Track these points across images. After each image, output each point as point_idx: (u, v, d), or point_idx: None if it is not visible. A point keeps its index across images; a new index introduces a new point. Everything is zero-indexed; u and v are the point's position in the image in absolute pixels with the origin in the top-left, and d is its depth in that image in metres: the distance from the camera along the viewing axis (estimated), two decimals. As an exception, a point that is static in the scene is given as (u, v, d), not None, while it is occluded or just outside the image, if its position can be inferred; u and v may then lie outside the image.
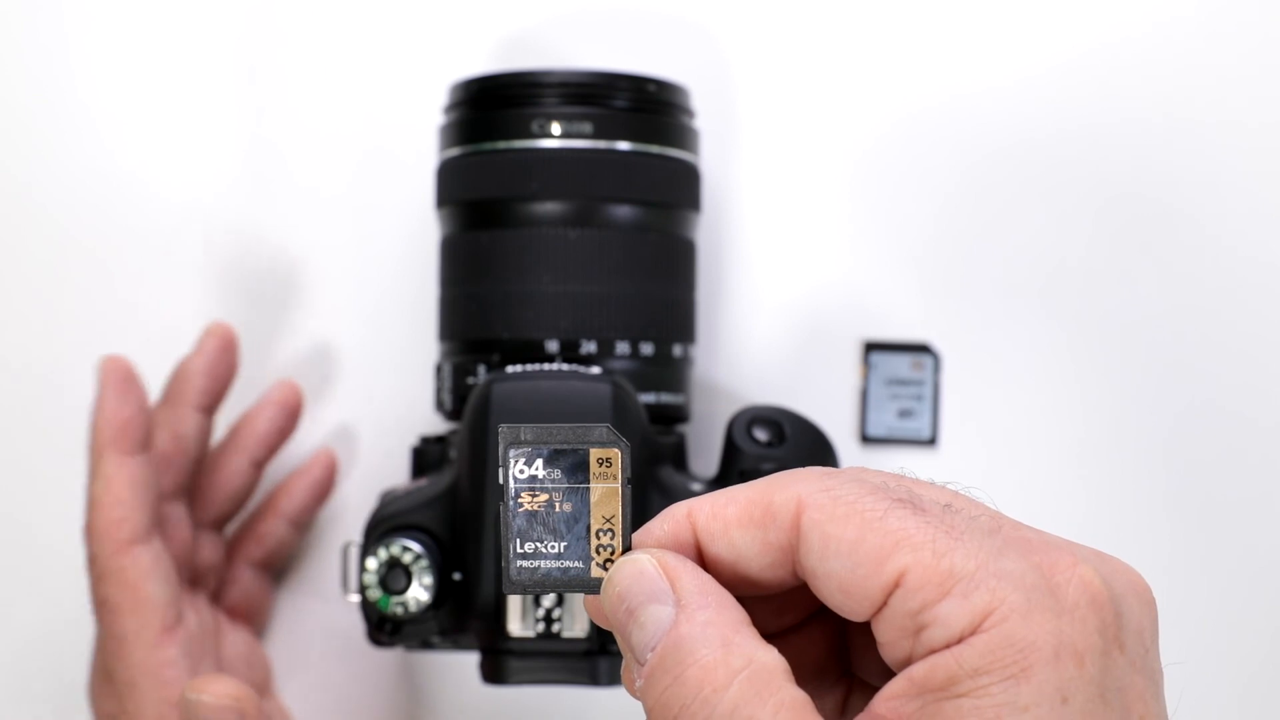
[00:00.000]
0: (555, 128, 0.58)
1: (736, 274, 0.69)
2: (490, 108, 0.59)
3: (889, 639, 0.35)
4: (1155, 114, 0.69)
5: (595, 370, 0.56)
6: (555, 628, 0.54)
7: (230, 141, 0.70)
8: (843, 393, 0.69)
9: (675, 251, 0.61)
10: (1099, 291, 0.68)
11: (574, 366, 0.56)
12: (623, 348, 0.58)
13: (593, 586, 0.38)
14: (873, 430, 0.68)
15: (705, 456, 0.65)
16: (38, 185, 0.70)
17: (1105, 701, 0.33)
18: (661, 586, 0.36)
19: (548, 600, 0.54)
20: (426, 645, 0.57)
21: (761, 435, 0.57)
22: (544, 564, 0.38)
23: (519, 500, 0.38)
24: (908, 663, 0.34)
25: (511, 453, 0.38)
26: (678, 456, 0.59)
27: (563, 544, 0.38)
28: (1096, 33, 0.69)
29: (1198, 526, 0.68)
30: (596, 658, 0.55)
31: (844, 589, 0.35)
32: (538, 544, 0.38)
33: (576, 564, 0.38)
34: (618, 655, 0.56)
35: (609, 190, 0.59)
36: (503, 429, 0.38)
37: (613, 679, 0.56)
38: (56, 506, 0.69)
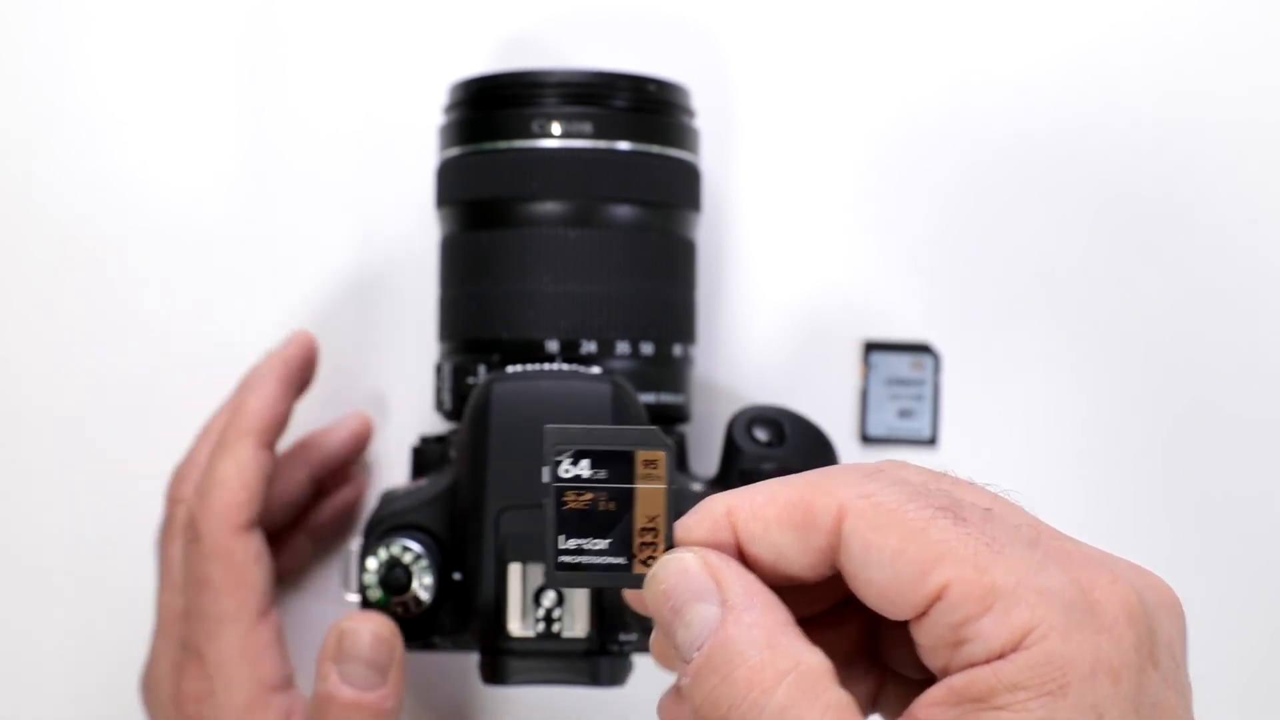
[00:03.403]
0: (555, 128, 0.58)
1: (736, 274, 0.69)
2: (490, 108, 0.59)
3: (928, 644, 0.36)
4: (1156, 114, 0.69)
5: (595, 370, 0.56)
6: (555, 628, 0.54)
7: (230, 141, 0.69)
8: (843, 393, 0.69)
9: (675, 251, 0.61)
10: (1099, 291, 0.68)
11: (574, 366, 0.56)
12: (623, 348, 0.58)
13: (634, 582, 0.39)
14: (873, 430, 0.68)
15: (705, 456, 0.65)
16: (36, 184, 0.70)
17: (1140, 717, 0.34)
18: (707, 585, 0.37)
19: (548, 600, 0.54)
20: (426, 646, 0.57)
21: (761, 435, 0.57)
22: (587, 559, 0.39)
23: (564, 499, 0.39)
24: (946, 668, 0.35)
25: (557, 452, 0.39)
26: (678, 456, 0.59)
27: (606, 541, 0.39)
28: (1098, 32, 0.69)
29: (1198, 526, 0.68)
30: (597, 658, 0.55)
31: (885, 595, 0.36)
32: (581, 541, 0.39)
33: (619, 560, 0.39)
34: (618, 655, 0.56)
35: (609, 190, 0.59)
36: (549, 429, 0.39)
37: (613, 679, 0.56)
38: (56, 507, 0.69)
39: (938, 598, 0.35)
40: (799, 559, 0.37)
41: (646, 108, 0.60)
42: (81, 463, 0.69)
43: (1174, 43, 0.69)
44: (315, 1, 0.70)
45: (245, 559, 0.58)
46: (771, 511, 0.37)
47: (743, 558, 0.38)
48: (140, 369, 0.69)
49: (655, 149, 0.59)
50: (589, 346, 0.58)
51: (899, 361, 0.68)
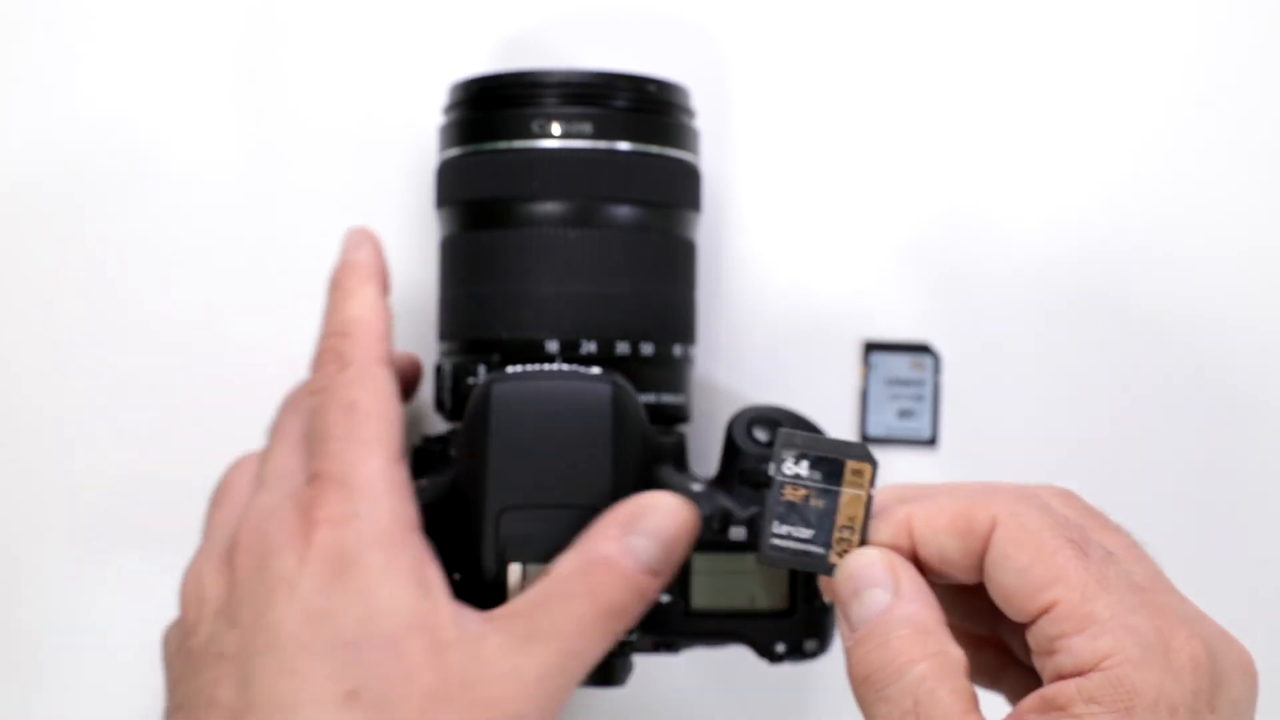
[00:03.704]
0: (555, 128, 0.58)
1: (736, 274, 0.69)
2: (490, 108, 0.59)
3: (1033, 647, 0.44)
4: (1157, 113, 0.69)
5: (595, 370, 0.56)
6: None
7: (230, 141, 0.69)
8: (843, 393, 0.69)
9: (675, 252, 0.61)
10: (1100, 291, 0.68)
11: (574, 367, 0.56)
12: (623, 348, 0.58)
13: (828, 570, 0.47)
14: (873, 430, 0.68)
15: (706, 456, 0.65)
16: (34, 182, 0.70)
17: None
18: (885, 577, 0.45)
19: None
20: None
21: (762, 435, 0.57)
22: (793, 545, 0.47)
23: (783, 491, 0.47)
24: (1042, 671, 0.43)
25: (784, 452, 0.47)
26: (678, 456, 0.59)
27: (811, 532, 0.47)
28: (1100, 30, 0.69)
29: (1199, 526, 0.68)
30: (611, 658, 0.55)
31: (1009, 599, 0.44)
32: (791, 529, 0.47)
33: (819, 550, 0.47)
34: (618, 655, 0.56)
35: (609, 190, 0.59)
36: (782, 432, 0.47)
37: (613, 678, 0.56)
38: (56, 506, 0.69)
39: (1046, 611, 0.43)
40: (959, 561, 0.45)
41: (646, 108, 0.60)
42: (81, 462, 0.69)
43: (1177, 44, 0.69)
44: (315, 2, 0.70)
45: (390, 389, 0.55)
46: (942, 520, 0.45)
47: (915, 559, 0.46)
48: (138, 369, 0.69)
49: (655, 149, 0.59)
50: (589, 347, 0.58)
51: (899, 362, 0.68)
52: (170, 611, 0.59)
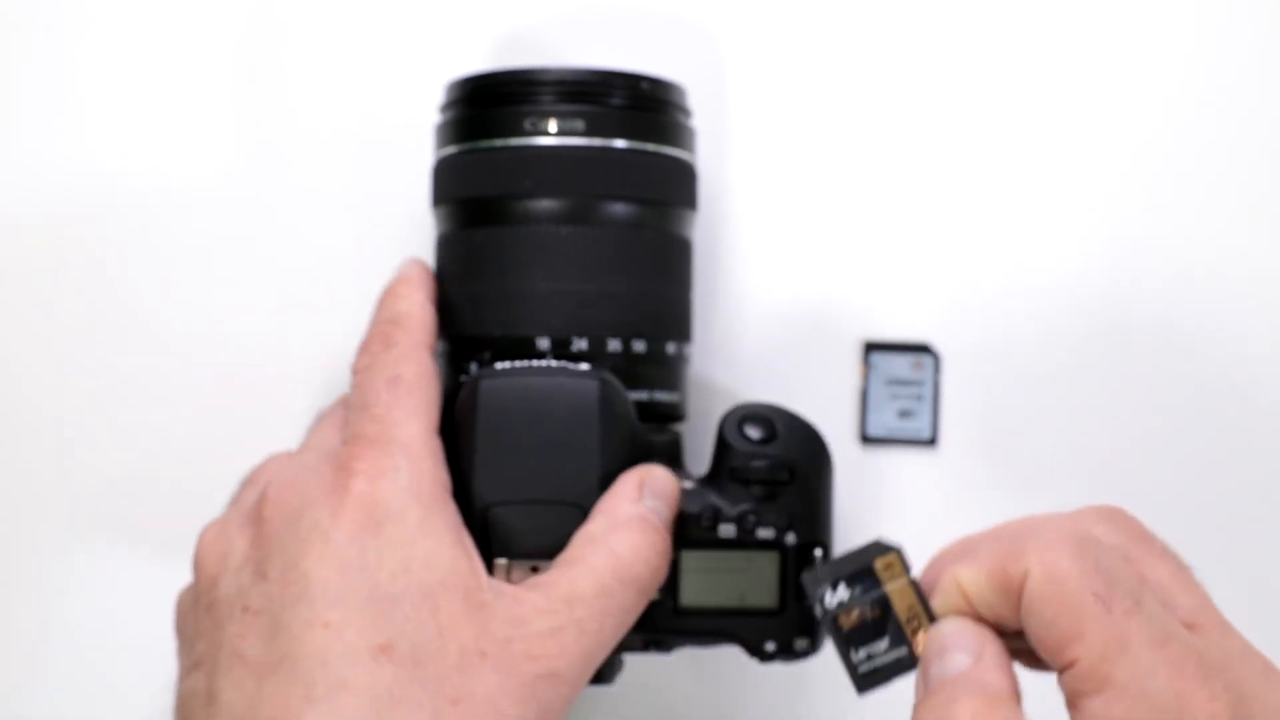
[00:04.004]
0: (550, 125, 0.58)
1: (736, 273, 0.69)
2: (485, 106, 0.59)
3: (1063, 693, 0.44)
4: (1160, 111, 0.69)
5: (584, 367, 0.56)
6: None
7: (229, 141, 0.70)
8: (843, 393, 0.68)
9: (670, 249, 0.61)
10: (1101, 291, 0.68)
11: (563, 363, 0.56)
12: (614, 345, 0.58)
13: (918, 664, 0.47)
14: (872, 430, 0.68)
15: (702, 455, 0.65)
16: (31, 182, 0.70)
17: None
18: (970, 642, 0.45)
19: None
20: None
21: (753, 433, 0.57)
22: (879, 662, 0.47)
23: (838, 623, 0.47)
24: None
25: (816, 589, 0.47)
26: (673, 454, 0.59)
27: (885, 641, 0.47)
28: (1108, 26, 0.69)
29: (1200, 527, 0.67)
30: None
31: (1041, 649, 0.44)
32: (867, 649, 0.47)
33: (902, 651, 0.47)
34: (616, 653, 0.56)
35: (603, 187, 0.58)
36: (804, 576, 0.48)
37: (602, 676, 0.56)
38: (54, 506, 0.69)
39: (1069, 667, 0.43)
40: (1010, 616, 0.45)
41: (642, 105, 0.59)
42: (78, 459, 0.69)
43: (1181, 46, 0.68)
44: (314, 2, 0.70)
45: (433, 370, 0.56)
46: (982, 579, 0.45)
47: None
48: (137, 368, 0.69)
49: (651, 147, 0.59)
50: (580, 344, 0.57)
51: (899, 362, 0.68)
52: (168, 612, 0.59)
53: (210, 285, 0.69)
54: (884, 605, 0.47)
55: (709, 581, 0.56)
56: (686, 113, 0.62)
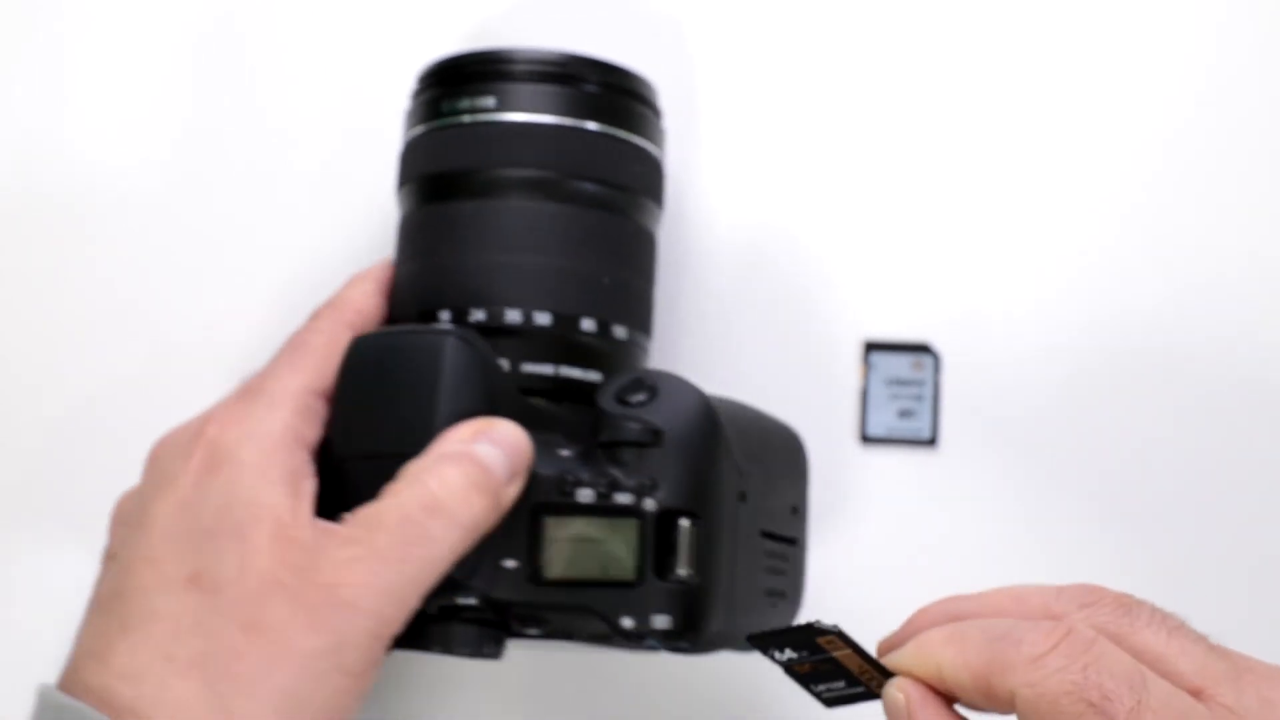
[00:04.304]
0: (522, 101, 0.57)
1: (736, 272, 0.68)
2: (456, 84, 0.58)
3: None
4: (1160, 111, 0.69)
5: (448, 327, 0.55)
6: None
7: (209, 132, 0.69)
8: (842, 393, 0.68)
9: (629, 235, 0.59)
10: (1102, 290, 0.68)
11: (442, 325, 0.55)
12: (513, 316, 0.56)
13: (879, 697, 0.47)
14: (872, 430, 0.68)
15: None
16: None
17: None
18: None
19: None
20: None
21: (632, 398, 0.54)
22: (840, 693, 0.47)
23: (796, 671, 0.46)
24: None
25: (767, 651, 0.46)
26: (574, 432, 0.56)
27: (843, 682, 0.46)
28: (1105, 22, 0.69)
29: (1203, 529, 0.67)
30: (449, 622, 0.54)
31: None
32: (826, 685, 0.46)
33: (860, 689, 0.46)
34: (469, 626, 0.54)
35: (571, 166, 0.57)
36: (749, 639, 0.46)
37: (466, 647, 0.54)
38: (53, 507, 0.69)
39: None
40: (982, 708, 0.44)
41: (608, 91, 0.58)
42: (67, 455, 0.69)
43: (1185, 45, 0.68)
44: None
45: (340, 338, 0.56)
46: (969, 681, 0.44)
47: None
48: (117, 359, 0.69)
49: (621, 133, 0.58)
50: (478, 315, 0.56)
51: (899, 361, 0.68)
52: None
53: (186, 274, 0.69)
54: (834, 663, 0.46)
55: (571, 551, 0.53)
56: (657, 111, 0.61)
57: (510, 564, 0.53)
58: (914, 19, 0.69)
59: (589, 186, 0.58)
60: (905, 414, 0.68)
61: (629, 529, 0.52)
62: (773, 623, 0.56)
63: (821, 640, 0.45)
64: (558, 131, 0.57)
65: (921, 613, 0.47)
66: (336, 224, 0.69)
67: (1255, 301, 0.68)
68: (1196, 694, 0.42)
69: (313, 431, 0.54)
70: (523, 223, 0.57)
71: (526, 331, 0.56)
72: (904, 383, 0.68)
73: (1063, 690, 0.41)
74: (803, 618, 0.59)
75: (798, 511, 0.59)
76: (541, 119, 0.57)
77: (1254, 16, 0.69)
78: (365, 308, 0.58)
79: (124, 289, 0.69)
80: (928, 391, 0.68)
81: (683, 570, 0.51)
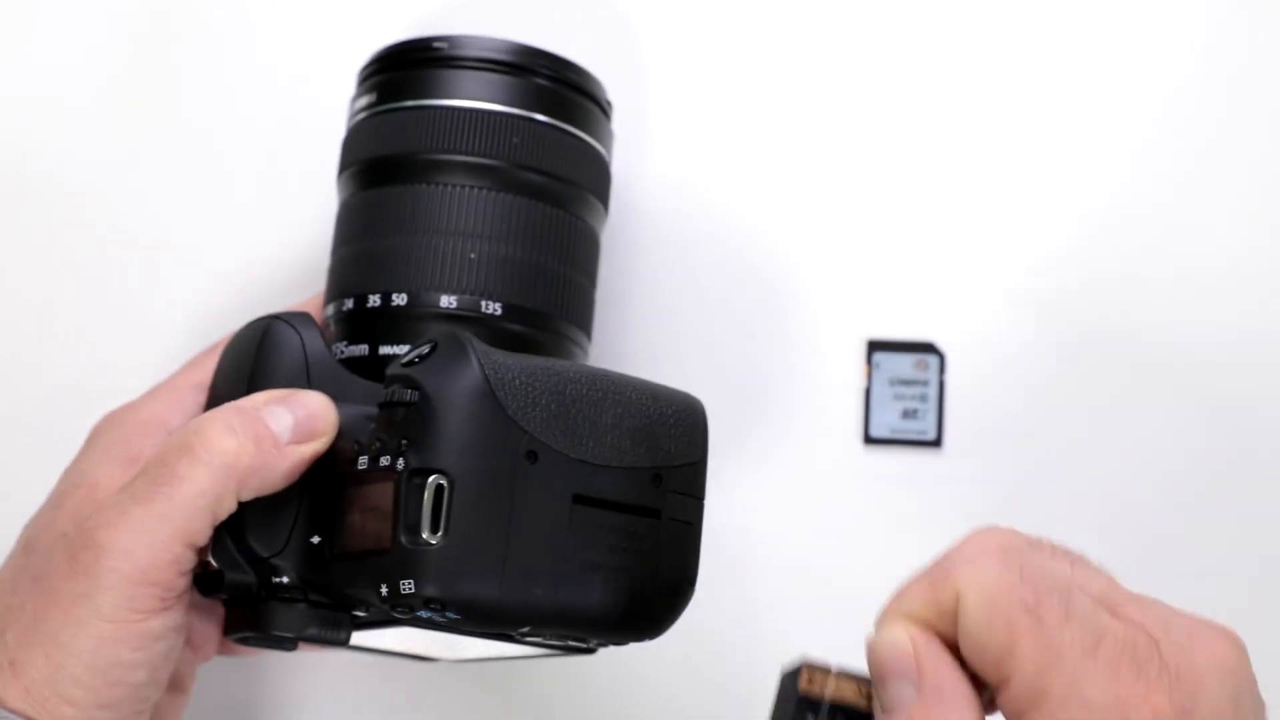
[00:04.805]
0: (469, 89, 0.57)
1: (735, 272, 0.68)
2: (397, 69, 0.58)
3: (1004, 713, 0.42)
4: (1160, 110, 0.68)
5: (297, 311, 0.55)
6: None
7: (150, 124, 0.70)
8: (846, 392, 0.68)
9: (566, 229, 0.58)
10: (1105, 290, 0.67)
11: (295, 309, 0.56)
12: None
13: None
14: (876, 431, 0.67)
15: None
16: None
17: None
18: (909, 667, 0.43)
19: None
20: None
21: (410, 358, 0.51)
22: None
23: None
24: None
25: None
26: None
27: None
28: (1104, 20, 0.68)
29: (1205, 528, 0.67)
30: (265, 600, 0.53)
31: (978, 669, 0.43)
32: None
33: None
34: (287, 604, 0.53)
35: (515, 155, 0.57)
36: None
37: (286, 626, 0.53)
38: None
39: (1003, 684, 0.42)
40: (947, 634, 0.43)
41: (556, 84, 0.58)
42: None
43: (1180, 45, 0.68)
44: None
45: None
46: (920, 607, 0.43)
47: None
48: (98, 356, 0.69)
49: (568, 127, 0.58)
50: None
51: (903, 361, 0.67)
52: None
53: (157, 271, 0.70)
54: (836, 713, 0.44)
55: (362, 523, 0.51)
56: (605, 109, 0.61)
57: (316, 540, 0.52)
58: (920, 15, 0.69)
59: (533, 177, 0.57)
60: (909, 414, 0.67)
61: (386, 493, 0.50)
62: (598, 598, 0.51)
63: (803, 684, 0.44)
64: (504, 120, 0.57)
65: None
66: (282, 213, 0.69)
67: (1259, 304, 0.67)
68: (1109, 612, 0.43)
69: (172, 414, 0.57)
70: (457, 207, 0.56)
71: (386, 311, 0.56)
72: (908, 382, 0.67)
73: (1001, 589, 0.42)
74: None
75: (662, 481, 0.53)
76: (489, 107, 0.57)
77: (1237, 26, 0.69)
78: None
79: (87, 291, 0.70)
80: (932, 391, 0.67)
81: (425, 533, 0.48)
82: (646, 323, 0.68)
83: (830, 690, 0.44)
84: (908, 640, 0.43)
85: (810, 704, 0.44)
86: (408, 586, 0.48)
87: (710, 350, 0.67)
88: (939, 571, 0.43)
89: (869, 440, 0.67)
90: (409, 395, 0.49)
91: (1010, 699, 0.41)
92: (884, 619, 0.44)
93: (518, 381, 0.50)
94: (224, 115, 0.70)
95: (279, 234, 0.69)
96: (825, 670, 0.44)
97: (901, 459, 0.67)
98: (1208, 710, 0.41)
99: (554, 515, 0.50)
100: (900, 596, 0.44)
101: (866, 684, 0.44)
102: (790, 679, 0.44)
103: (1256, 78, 0.69)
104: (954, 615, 0.43)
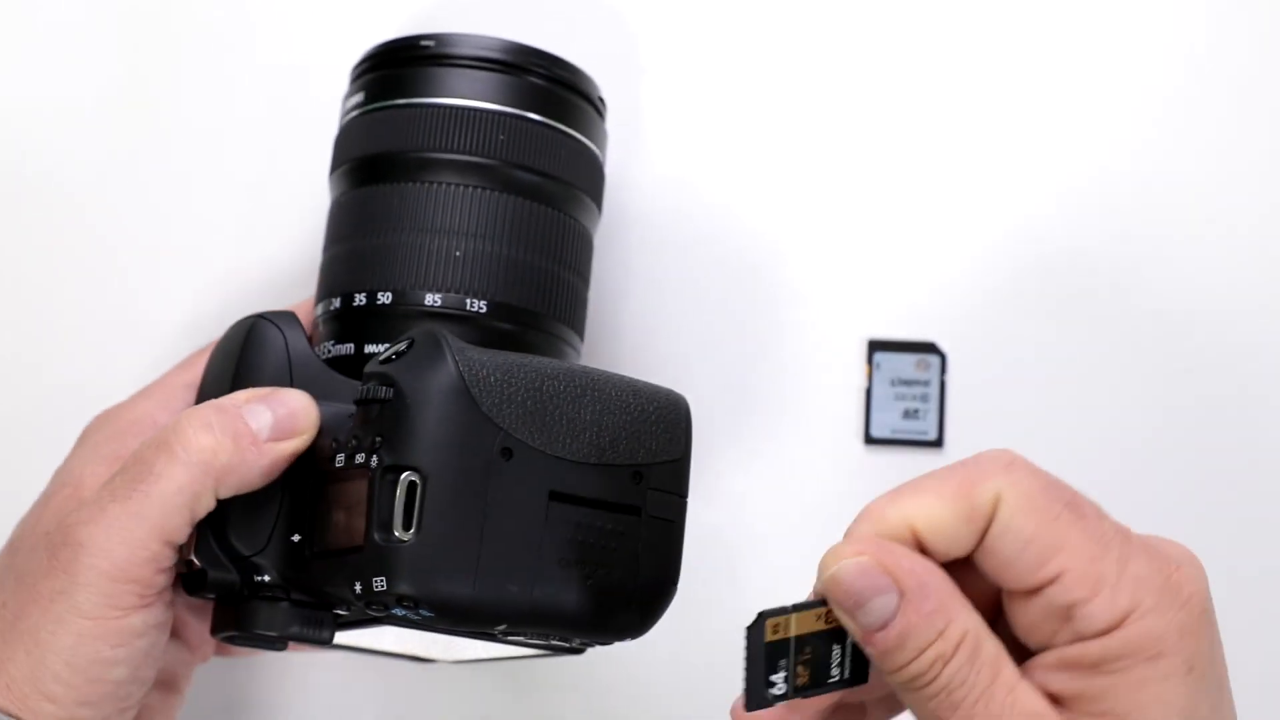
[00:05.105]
0: (463, 87, 0.57)
1: (736, 271, 0.68)
2: (387, 68, 0.58)
3: (1032, 620, 0.44)
4: (1160, 105, 0.68)
5: (279, 310, 0.55)
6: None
7: (147, 125, 0.70)
8: (847, 393, 0.68)
9: (554, 226, 0.58)
10: (1107, 290, 0.67)
11: (284, 309, 0.56)
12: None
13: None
14: (877, 431, 0.67)
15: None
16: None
17: (1213, 663, 0.44)
18: (881, 580, 0.43)
19: None
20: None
21: (388, 355, 0.51)
22: (853, 656, 0.45)
23: (800, 688, 0.44)
24: (1049, 641, 0.44)
25: (770, 696, 0.44)
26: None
27: (837, 646, 0.45)
28: (1102, 17, 0.68)
29: (1207, 528, 0.66)
30: (250, 600, 0.53)
31: (1010, 570, 0.44)
32: (825, 671, 0.45)
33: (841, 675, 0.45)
34: (269, 602, 0.53)
35: (507, 153, 0.57)
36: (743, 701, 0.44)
37: (270, 625, 0.53)
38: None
39: (1052, 581, 0.43)
40: (962, 541, 0.44)
41: (549, 83, 0.58)
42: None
43: (1175, 38, 0.68)
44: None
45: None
46: (947, 510, 0.44)
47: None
48: (98, 356, 0.69)
49: (562, 126, 0.58)
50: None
51: (904, 361, 0.67)
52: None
53: (154, 271, 0.70)
54: (804, 646, 0.44)
55: (339, 521, 0.50)
56: (599, 109, 0.61)
57: (297, 538, 0.52)
58: (918, 15, 0.69)
59: (524, 175, 0.57)
60: (910, 414, 0.67)
61: (360, 491, 0.49)
62: (576, 596, 0.51)
63: (768, 632, 0.43)
64: (495, 118, 0.56)
65: (868, 509, 0.45)
66: (282, 213, 0.69)
67: (1263, 303, 0.67)
68: None
69: (159, 413, 0.57)
70: (444, 205, 0.56)
71: (371, 310, 0.55)
72: (909, 382, 0.67)
73: (1043, 490, 0.44)
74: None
75: (642, 478, 0.53)
76: (480, 105, 0.57)
77: (1232, 29, 0.68)
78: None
79: (100, 291, 0.70)
80: (933, 391, 0.67)
81: (398, 530, 0.48)
82: (646, 323, 0.68)
83: (793, 629, 0.44)
84: (867, 557, 0.43)
85: (778, 650, 0.43)
86: (380, 584, 0.48)
87: (710, 351, 0.67)
88: (969, 474, 0.44)
89: (870, 440, 0.67)
90: (384, 392, 0.49)
91: (1060, 591, 0.43)
92: (893, 524, 0.44)
93: (493, 378, 0.50)
94: (224, 115, 0.70)
95: (278, 234, 0.69)
96: (784, 613, 0.44)
97: (902, 459, 0.67)
98: (1206, 590, 0.44)
99: (529, 512, 0.50)
100: (915, 495, 0.44)
101: (824, 607, 0.44)
102: (755, 633, 0.43)
103: (1257, 77, 0.68)
104: (987, 516, 0.43)
